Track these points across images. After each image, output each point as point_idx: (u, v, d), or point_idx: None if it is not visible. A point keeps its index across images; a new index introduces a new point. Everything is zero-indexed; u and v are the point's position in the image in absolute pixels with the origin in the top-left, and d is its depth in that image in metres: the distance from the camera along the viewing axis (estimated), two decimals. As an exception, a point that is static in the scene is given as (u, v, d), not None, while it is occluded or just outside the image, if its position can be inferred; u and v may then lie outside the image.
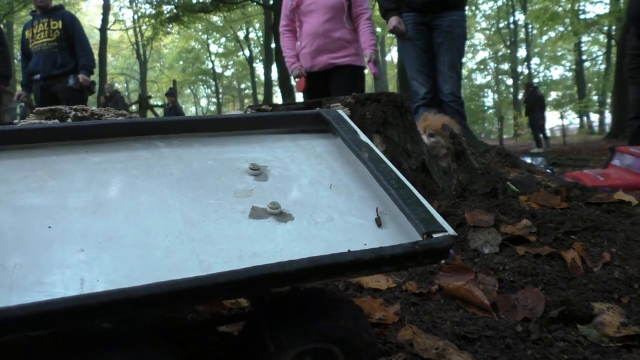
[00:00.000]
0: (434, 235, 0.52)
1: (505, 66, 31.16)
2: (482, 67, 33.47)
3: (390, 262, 0.49)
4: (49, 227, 0.51)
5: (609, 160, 2.18)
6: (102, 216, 0.54)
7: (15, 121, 1.69)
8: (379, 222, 0.58)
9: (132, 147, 0.69)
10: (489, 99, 35.66)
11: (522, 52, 29.31)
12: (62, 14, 4.16)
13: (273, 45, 13.42)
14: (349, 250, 0.49)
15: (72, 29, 4.10)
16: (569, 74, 31.02)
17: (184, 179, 0.63)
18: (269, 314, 0.58)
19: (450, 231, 0.52)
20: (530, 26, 26.01)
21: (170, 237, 0.52)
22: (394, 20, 3.09)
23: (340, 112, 0.79)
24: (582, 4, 19.47)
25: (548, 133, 13.03)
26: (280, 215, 0.58)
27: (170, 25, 16.04)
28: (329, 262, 0.47)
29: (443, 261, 0.54)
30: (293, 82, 3.48)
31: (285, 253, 0.52)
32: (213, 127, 0.75)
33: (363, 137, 0.72)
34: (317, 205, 0.61)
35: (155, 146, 0.70)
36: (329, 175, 0.67)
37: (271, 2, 12.32)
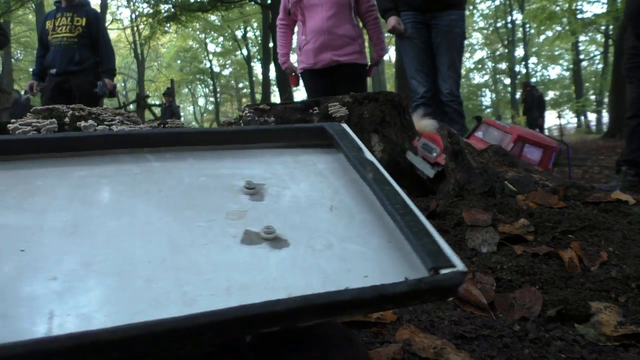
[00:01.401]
0: (442, 272, 0.47)
1: (503, 65, 31.23)
2: (479, 66, 33.54)
3: (392, 301, 0.46)
4: (22, 250, 0.47)
5: (473, 131, 2.31)
6: (81, 238, 0.50)
7: (13, 120, 1.68)
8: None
9: (121, 160, 0.64)
10: (487, 98, 35.76)
11: (519, 52, 29.40)
12: (87, 11, 4.08)
13: (271, 45, 13.41)
14: (347, 288, 0.44)
15: (96, 28, 4.03)
16: (567, 74, 31.10)
17: (173, 197, 0.59)
18: (257, 351, 0.53)
19: (460, 266, 0.48)
20: (527, 25, 26.08)
21: (153, 264, 0.48)
22: (393, 20, 3.08)
23: (345, 126, 0.74)
24: (579, 3, 19.54)
25: (546, 132, 13.06)
26: (275, 241, 0.54)
27: (168, 25, 16.01)
28: (325, 301, 0.43)
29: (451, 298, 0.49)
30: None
31: (278, 284, 0.47)
32: (208, 140, 0.70)
33: (368, 155, 0.67)
34: (316, 229, 0.56)
35: (145, 160, 0.65)
36: (330, 196, 0.63)
37: (269, 1, 12.31)
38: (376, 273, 0.50)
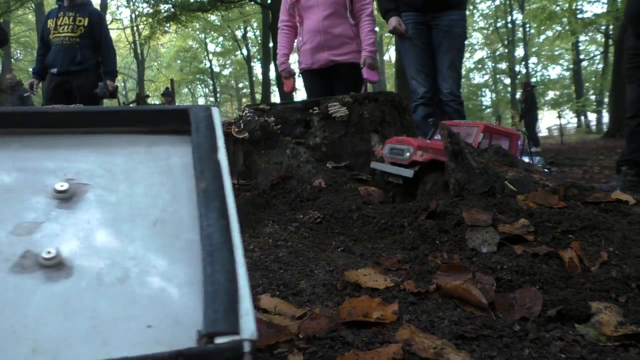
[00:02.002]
0: (217, 340, 0.37)
1: (503, 65, 31.22)
2: (479, 66, 33.54)
3: None
4: None
5: (433, 133, 2.32)
6: None
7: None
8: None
9: None
10: (487, 98, 35.77)
11: (519, 52, 29.39)
12: (90, 11, 4.06)
13: (271, 45, 13.40)
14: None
15: (98, 29, 4.02)
16: (567, 74, 31.10)
17: None
18: None
19: (247, 333, 0.38)
20: (527, 25, 26.07)
21: None
22: (394, 21, 3.07)
23: (214, 111, 0.62)
24: (579, 3, 19.54)
25: (545, 132, 13.03)
26: (55, 269, 0.43)
27: (168, 24, 15.99)
28: None
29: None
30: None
31: (22, 336, 0.37)
32: (49, 122, 0.58)
33: (220, 153, 0.55)
34: (118, 253, 0.46)
35: None
36: (164, 204, 0.52)
37: (269, 1, 12.31)
38: (165, 323, 0.40)
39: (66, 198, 0.51)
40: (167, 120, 0.62)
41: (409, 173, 1.95)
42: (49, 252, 0.44)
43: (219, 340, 0.37)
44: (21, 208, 0.49)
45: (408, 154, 1.98)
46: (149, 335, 0.39)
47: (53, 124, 0.58)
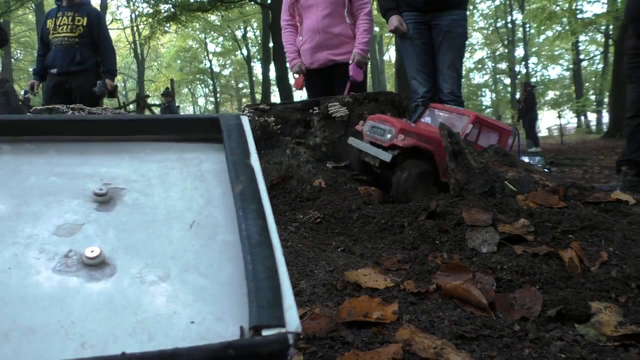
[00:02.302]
0: (264, 333, 0.38)
1: (503, 65, 31.24)
2: (479, 66, 33.56)
3: None
4: None
5: (419, 117, 2.21)
6: None
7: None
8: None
9: None
10: (487, 98, 35.78)
11: (519, 52, 29.40)
12: (88, 10, 4.05)
13: (271, 44, 13.40)
14: (123, 353, 0.35)
15: (97, 28, 4.01)
16: (567, 73, 31.11)
17: (3, 201, 0.49)
18: None
19: (292, 326, 0.39)
20: (527, 25, 26.06)
21: None
22: (394, 20, 3.06)
23: (244, 120, 0.64)
24: (579, 3, 19.56)
25: (545, 132, 13.03)
26: (98, 268, 0.45)
27: (168, 24, 16.00)
28: None
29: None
30: (291, 80, 3.38)
31: (73, 330, 0.38)
32: (84, 130, 0.60)
33: (251, 160, 0.56)
34: (158, 253, 0.47)
35: None
36: (199, 207, 0.54)
37: (269, 1, 12.31)
38: (208, 319, 0.41)
39: (105, 201, 0.53)
40: (199, 129, 0.64)
41: (386, 157, 1.81)
42: (92, 252, 0.45)
43: (266, 332, 0.38)
44: (62, 211, 0.50)
45: (389, 135, 1.84)
46: (193, 330, 0.40)
47: (87, 132, 0.60)
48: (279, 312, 0.39)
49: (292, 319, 0.39)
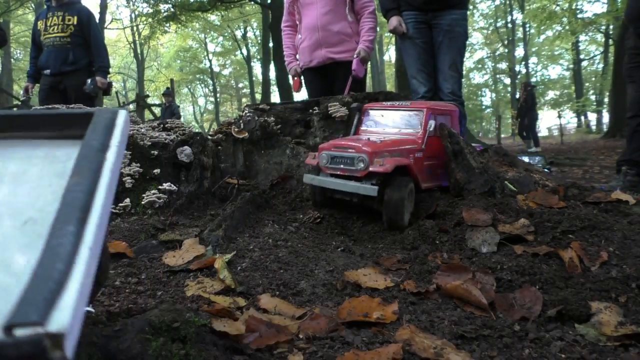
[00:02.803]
0: (17, 332, 0.33)
1: (503, 65, 31.24)
2: (480, 66, 33.57)
3: None
4: None
5: (358, 125, 2.03)
6: None
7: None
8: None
9: None
10: (487, 98, 35.80)
11: (519, 51, 29.40)
12: (78, 9, 4.02)
13: (271, 44, 13.40)
14: None
15: (87, 27, 3.98)
16: (567, 73, 31.11)
17: None
18: None
19: (55, 326, 0.33)
20: (528, 25, 26.08)
21: None
22: (394, 21, 3.06)
23: (121, 114, 0.62)
24: (579, 3, 19.56)
25: (545, 132, 13.02)
26: None
27: (168, 24, 15.99)
28: None
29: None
30: (292, 80, 3.38)
31: None
32: None
33: (110, 152, 0.55)
34: None
35: None
36: (44, 205, 0.51)
37: (269, 1, 12.31)
38: None
39: None
40: (77, 125, 0.62)
41: (371, 191, 1.57)
42: None
43: (19, 332, 0.33)
44: None
45: (362, 164, 1.61)
46: None
47: None
48: (44, 309, 0.34)
49: (60, 318, 0.34)
